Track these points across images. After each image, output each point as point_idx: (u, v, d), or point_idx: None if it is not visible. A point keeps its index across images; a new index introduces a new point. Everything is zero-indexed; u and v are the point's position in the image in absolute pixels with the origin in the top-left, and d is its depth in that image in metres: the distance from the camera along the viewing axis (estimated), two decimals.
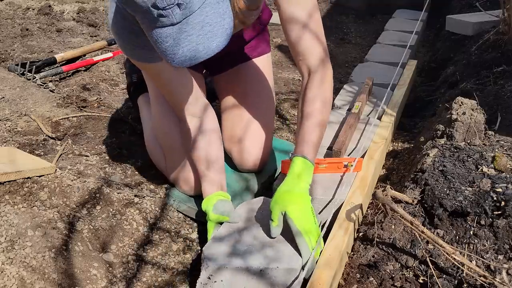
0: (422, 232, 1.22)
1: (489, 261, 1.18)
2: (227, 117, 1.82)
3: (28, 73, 2.51)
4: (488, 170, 1.42)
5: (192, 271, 1.51)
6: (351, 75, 2.61)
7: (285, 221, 1.30)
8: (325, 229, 1.36)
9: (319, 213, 1.53)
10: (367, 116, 2.08)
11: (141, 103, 1.92)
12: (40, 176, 1.54)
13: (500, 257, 1.18)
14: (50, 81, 2.56)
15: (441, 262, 1.23)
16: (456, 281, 1.18)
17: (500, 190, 1.30)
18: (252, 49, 1.83)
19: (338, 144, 1.73)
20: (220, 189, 1.53)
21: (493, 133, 1.71)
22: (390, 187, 1.44)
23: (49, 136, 1.91)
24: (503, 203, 1.26)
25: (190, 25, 1.01)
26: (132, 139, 2.01)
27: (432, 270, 1.20)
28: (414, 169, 1.60)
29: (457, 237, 1.27)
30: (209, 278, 1.26)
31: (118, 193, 1.62)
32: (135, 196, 1.65)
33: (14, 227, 1.34)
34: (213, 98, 1.96)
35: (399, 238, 1.33)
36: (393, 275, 1.25)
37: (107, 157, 1.82)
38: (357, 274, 1.31)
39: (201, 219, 1.65)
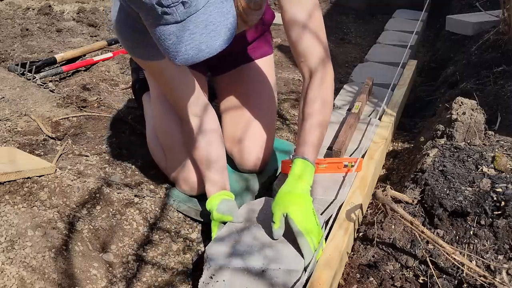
0: (422, 232, 1.22)
1: (489, 261, 1.18)
2: (228, 117, 1.82)
3: (28, 73, 2.51)
4: (488, 170, 1.43)
5: (194, 271, 1.51)
6: (351, 75, 2.61)
7: (286, 222, 1.30)
8: (326, 229, 1.36)
9: (322, 214, 1.53)
10: (367, 116, 2.08)
11: (146, 100, 1.91)
12: (40, 176, 1.54)
13: (500, 257, 1.18)
14: (50, 81, 2.56)
15: (441, 262, 1.23)
16: (456, 281, 1.18)
17: (500, 190, 1.30)
18: (254, 50, 1.83)
19: (338, 144, 1.73)
20: (223, 188, 1.53)
21: (493, 133, 1.71)
22: (390, 187, 1.44)
23: (49, 136, 1.91)
24: (503, 203, 1.26)
25: (193, 24, 1.00)
26: (132, 139, 2.01)
27: (432, 270, 1.20)
28: (414, 169, 1.60)
29: (457, 237, 1.27)
30: (211, 277, 1.26)
31: (118, 193, 1.62)
32: (135, 196, 1.65)
33: (14, 227, 1.34)
34: (212, 97, 1.95)
35: (399, 238, 1.33)
36: (393, 275, 1.25)
37: (107, 157, 1.82)
38: (357, 274, 1.31)
39: (201, 219, 1.65)
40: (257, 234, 1.37)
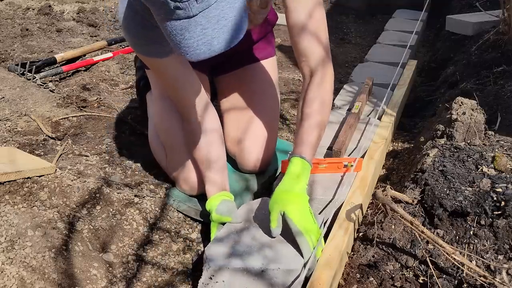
0: (422, 232, 1.22)
1: (489, 261, 1.18)
2: (230, 117, 1.82)
3: (28, 73, 2.51)
4: (488, 170, 1.43)
5: (194, 271, 1.51)
6: (351, 75, 2.61)
7: (284, 221, 1.30)
8: (325, 229, 1.36)
9: (319, 213, 1.53)
10: (367, 116, 2.08)
11: (150, 99, 1.91)
12: (40, 176, 1.54)
13: (500, 257, 1.18)
14: (50, 81, 2.56)
15: (441, 262, 1.23)
16: (456, 281, 1.18)
17: (500, 190, 1.30)
18: (258, 51, 1.83)
19: (338, 144, 1.73)
20: (223, 189, 1.53)
21: (493, 133, 1.71)
22: (390, 187, 1.44)
23: (49, 136, 1.91)
24: (503, 203, 1.26)
25: (205, 19, 1.00)
26: (132, 139, 2.01)
27: (432, 270, 1.20)
28: (414, 169, 1.60)
29: (457, 237, 1.27)
30: (210, 278, 1.26)
31: (118, 193, 1.62)
32: (135, 196, 1.65)
33: (14, 227, 1.34)
34: (213, 97, 1.95)
35: (399, 238, 1.33)
36: (393, 275, 1.25)
37: (107, 157, 1.82)
38: (357, 274, 1.31)
39: (201, 219, 1.65)
40: (256, 234, 1.37)
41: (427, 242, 1.27)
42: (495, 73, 2.16)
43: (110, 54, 2.88)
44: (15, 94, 2.25)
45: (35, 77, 2.50)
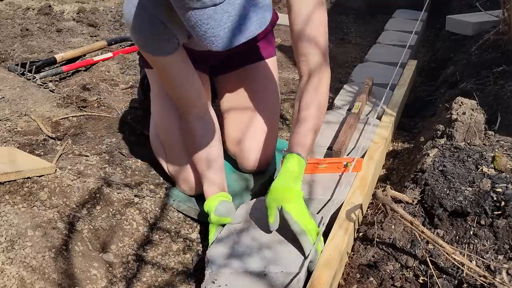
0: (422, 232, 1.22)
1: (489, 261, 1.18)
2: (230, 117, 1.82)
3: (28, 73, 2.51)
4: (488, 170, 1.42)
5: (194, 271, 1.51)
6: (351, 75, 2.61)
7: (283, 217, 1.30)
8: (323, 228, 1.36)
9: (317, 212, 1.53)
10: (367, 116, 2.08)
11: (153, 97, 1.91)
12: (40, 176, 1.54)
13: (500, 257, 1.18)
14: (50, 81, 2.56)
15: (441, 262, 1.23)
16: (456, 281, 1.18)
17: (500, 190, 1.30)
18: (259, 51, 1.83)
19: (338, 144, 1.73)
20: (222, 189, 1.53)
21: (493, 133, 1.71)
22: (390, 187, 1.44)
23: (49, 136, 1.91)
24: (503, 203, 1.26)
25: (231, 6, 0.98)
26: (132, 139, 2.01)
27: (432, 270, 1.20)
28: (414, 169, 1.60)
29: (457, 237, 1.27)
30: (213, 282, 1.25)
31: (118, 193, 1.63)
32: (135, 196, 1.65)
33: (14, 227, 1.34)
34: (213, 97, 1.95)
35: (399, 238, 1.33)
36: (393, 275, 1.25)
37: (107, 157, 1.82)
38: (357, 274, 1.31)
39: (201, 219, 1.65)
40: (257, 234, 1.37)
41: (427, 242, 1.27)
42: (495, 73, 2.16)
43: (110, 54, 2.88)
44: (15, 94, 2.25)
45: (35, 77, 2.50)
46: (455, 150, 1.56)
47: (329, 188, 1.58)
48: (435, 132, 1.75)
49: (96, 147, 1.89)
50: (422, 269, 1.24)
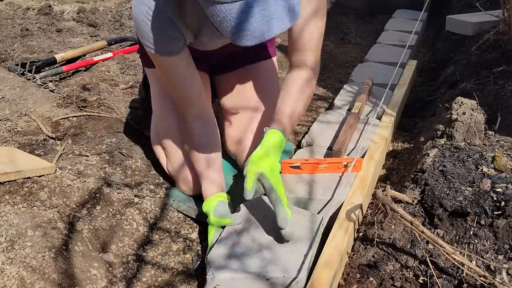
0: (422, 232, 1.22)
1: (489, 261, 1.18)
2: (231, 117, 1.82)
3: (28, 73, 2.51)
4: (488, 170, 1.43)
5: (194, 271, 1.50)
6: (351, 75, 2.61)
7: (260, 184, 1.30)
8: (323, 227, 1.36)
9: (318, 212, 1.53)
10: (367, 116, 2.08)
11: None
12: (40, 176, 1.54)
13: (500, 257, 1.18)
14: (50, 81, 2.56)
15: (441, 262, 1.23)
16: (456, 281, 1.18)
17: (500, 190, 1.30)
18: (260, 51, 1.83)
19: (338, 144, 1.73)
20: (220, 189, 1.53)
21: (493, 133, 1.71)
22: (390, 187, 1.44)
23: (49, 136, 1.91)
24: (503, 203, 1.26)
25: (261, 0, 0.96)
26: (132, 139, 2.01)
27: (432, 270, 1.20)
28: (414, 169, 1.60)
29: (457, 237, 1.27)
30: (215, 287, 1.25)
31: (118, 193, 1.63)
32: (135, 196, 1.65)
33: (14, 227, 1.34)
34: (213, 97, 1.95)
35: (399, 238, 1.33)
36: (393, 275, 1.25)
37: (107, 157, 1.82)
38: (357, 274, 1.31)
39: (201, 219, 1.65)
40: (258, 236, 1.36)
41: (427, 242, 1.27)
42: (495, 73, 2.16)
43: (110, 54, 2.88)
44: (15, 94, 2.25)
45: (35, 77, 2.50)
46: (455, 150, 1.56)
47: (329, 188, 1.58)
48: (435, 132, 1.75)
49: (96, 147, 1.89)
50: (422, 269, 1.24)
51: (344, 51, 3.39)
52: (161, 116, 1.67)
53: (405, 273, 1.25)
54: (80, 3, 4.02)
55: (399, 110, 2.16)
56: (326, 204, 1.53)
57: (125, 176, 1.75)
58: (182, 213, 1.68)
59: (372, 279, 1.27)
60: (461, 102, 1.73)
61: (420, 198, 1.41)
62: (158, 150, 1.74)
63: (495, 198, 1.28)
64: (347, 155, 1.79)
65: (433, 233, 1.28)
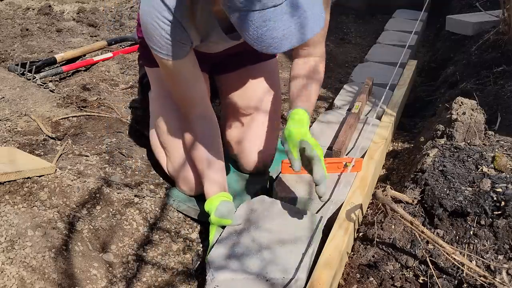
0: (422, 232, 1.22)
1: (489, 261, 1.18)
2: (231, 117, 1.82)
3: (28, 73, 2.51)
4: (488, 170, 1.43)
5: (194, 271, 1.51)
6: (351, 75, 2.61)
7: (301, 149, 1.33)
8: (323, 226, 1.36)
9: (317, 212, 1.53)
10: (367, 116, 2.08)
11: (152, 96, 1.91)
12: (40, 176, 1.54)
13: (500, 257, 1.18)
14: (50, 81, 2.56)
15: (441, 262, 1.23)
16: (456, 281, 1.18)
17: (500, 190, 1.30)
18: (261, 52, 1.83)
19: (338, 144, 1.73)
20: (222, 189, 1.52)
21: (493, 133, 1.71)
22: (390, 187, 1.44)
23: (49, 136, 1.91)
24: (503, 203, 1.26)
25: (291, 7, 0.95)
26: (132, 139, 2.01)
27: (432, 270, 1.20)
28: (414, 169, 1.60)
29: (457, 237, 1.27)
30: None
31: (118, 193, 1.63)
32: (135, 196, 1.65)
33: (14, 227, 1.34)
34: (213, 96, 1.95)
35: (399, 238, 1.33)
36: (393, 275, 1.25)
37: (107, 157, 1.82)
38: (357, 274, 1.31)
39: (201, 219, 1.65)
40: (258, 236, 1.36)
41: (427, 242, 1.27)
42: (495, 73, 2.16)
43: (110, 54, 2.88)
44: (15, 94, 2.25)
45: (35, 77, 2.50)
46: (455, 150, 1.56)
47: (329, 188, 1.58)
48: (435, 132, 1.75)
49: (96, 147, 1.89)
50: (422, 269, 1.24)
51: (344, 51, 3.39)
52: (162, 117, 1.67)
53: (405, 273, 1.25)
54: (80, 3, 4.02)
55: (399, 110, 2.16)
56: (325, 204, 1.53)
57: (125, 176, 1.76)
58: (182, 213, 1.68)
59: (372, 279, 1.27)
60: (461, 102, 1.73)
61: (420, 198, 1.41)
62: (157, 150, 1.74)
63: (495, 198, 1.28)
64: (347, 155, 1.79)
65: (433, 233, 1.28)
